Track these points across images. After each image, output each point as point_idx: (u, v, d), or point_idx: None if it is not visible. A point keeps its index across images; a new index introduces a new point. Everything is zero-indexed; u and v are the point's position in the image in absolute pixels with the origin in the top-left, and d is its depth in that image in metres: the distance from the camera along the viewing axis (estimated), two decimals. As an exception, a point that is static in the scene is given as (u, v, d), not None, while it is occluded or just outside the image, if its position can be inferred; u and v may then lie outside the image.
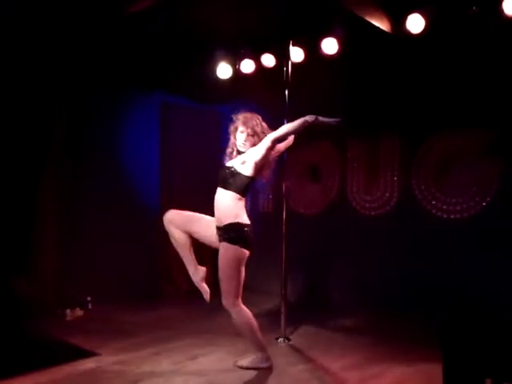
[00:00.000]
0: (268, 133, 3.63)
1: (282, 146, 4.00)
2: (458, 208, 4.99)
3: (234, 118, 3.74)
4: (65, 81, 5.38)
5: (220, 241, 3.51)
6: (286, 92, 4.50)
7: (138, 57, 5.52)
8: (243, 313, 3.54)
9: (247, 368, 3.64)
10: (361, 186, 5.71)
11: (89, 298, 5.36)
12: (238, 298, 3.51)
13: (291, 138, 4.07)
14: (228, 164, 3.64)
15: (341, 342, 4.33)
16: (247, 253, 3.49)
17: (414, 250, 5.19)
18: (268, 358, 3.66)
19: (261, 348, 3.63)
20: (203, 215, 3.70)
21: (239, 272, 3.48)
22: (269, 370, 3.63)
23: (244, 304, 3.59)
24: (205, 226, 3.63)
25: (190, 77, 5.87)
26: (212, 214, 3.63)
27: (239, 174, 3.52)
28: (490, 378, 2.04)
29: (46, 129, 5.33)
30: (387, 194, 5.49)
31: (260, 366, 3.63)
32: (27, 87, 5.07)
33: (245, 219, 3.52)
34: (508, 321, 2.12)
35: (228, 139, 3.79)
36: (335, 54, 5.12)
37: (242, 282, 3.52)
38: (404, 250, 5.26)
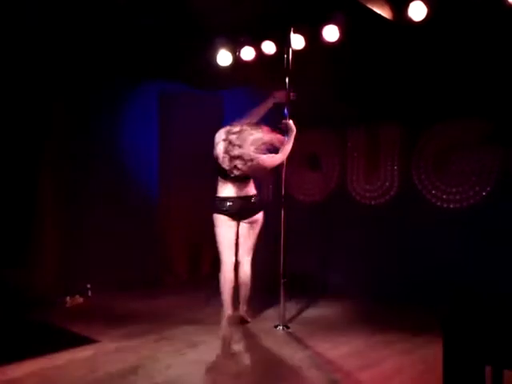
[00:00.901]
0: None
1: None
2: (458, 197, 4.99)
3: None
4: (61, 72, 5.33)
5: None
6: (287, 79, 4.46)
7: (135, 45, 5.47)
8: (220, 273, 4.15)
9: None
10: (361, 176, 5.70)
11: (88, 286, 5.38)
12: (222, 258, 4.16)
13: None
14: None
15: (340, 330, 4.33)
16: (216, 215, 4.13)
17: (414, 238, 5.20)
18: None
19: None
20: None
21: (217, 234, 4.15)
22: (263, 354, 3.70)
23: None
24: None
25: (189, 64, 5.83)
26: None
27: None
28: (490, 365, 2.05)
29: (44, 120, 5.31)
30: (387, 184, 5.49)
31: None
32: (24, 80, 5.04)
33: (219, 192, 4.15)
34: (508, 308, 2.12)
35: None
36: (336, 42, 5.09)
37: (225, 244, 4.14)
38: (404, 238, 5.27)
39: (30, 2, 4.46)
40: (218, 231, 4.14)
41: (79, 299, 5.20)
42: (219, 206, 4.11)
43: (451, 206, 5.03)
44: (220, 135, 4.10)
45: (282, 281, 4.42)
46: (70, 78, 5.44)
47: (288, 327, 4.38)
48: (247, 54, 5.65)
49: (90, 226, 5.54)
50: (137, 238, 5.94)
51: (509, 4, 4.22)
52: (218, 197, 4.14)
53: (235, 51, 5.69)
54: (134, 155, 6.07)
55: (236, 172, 3.99)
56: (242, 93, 6.23)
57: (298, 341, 4.07)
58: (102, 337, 4.02)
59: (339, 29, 5.03)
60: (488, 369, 2.08)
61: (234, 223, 4.14)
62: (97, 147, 5.71)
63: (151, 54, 5.64)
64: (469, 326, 2.07)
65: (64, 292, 5.16)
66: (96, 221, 5.58)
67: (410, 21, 4.63)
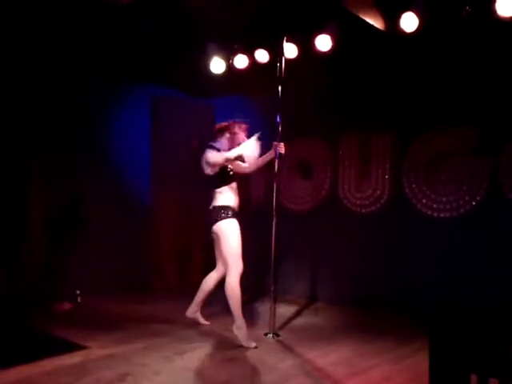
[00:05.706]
0: None
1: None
2: (448, 207, 5.02)
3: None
4: (54, 74, 5.33)
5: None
6: (280, 88, 4.49)
7: (128, 49, 5.48)
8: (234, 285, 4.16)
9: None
10: (352, 184, 5.72)
11: (78, 292, 5.35)
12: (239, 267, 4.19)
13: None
14: None
15: (329, 338, 4.34)
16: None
17: (403, 247, 5.23)
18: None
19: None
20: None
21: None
22: (253, 362, 3.68)
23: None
24: None
25: (182, 70, 5.85)
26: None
27: None
28: (476, 373, 2.06)
29: (36, 123, 5.29)
30: (378, 192, 5.51)
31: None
32: (15, 81, 5.03)
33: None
34: (493, 317, 2.14)
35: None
36: (329, 51, 5.13)
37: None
38: (393, 247, 5.29)
39: (24, 4, 4.47)
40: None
41: (68, 305, 5.17)
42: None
43: (441, 215, 5.06)
44: None
45: (272, 287, 4.43)
46: (63, 81, 5.43)
47: (278, 335, 4.38)
48: (240, 61, 5.68)
49: (80, 231, 5.51)
50: (127, 242, 5.92)
51: (499, 16, 4.28)
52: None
53: (228, 59, 5.72)
54: (126, 159, 6.07)
55: None
56: (234, 101, 6.26)
57: (288, 348, 4.07)
58: (90, 343, 4.00)
59: (332, 38, 5.08)
60: (474, 377, 2.10)
61: None
62: (89, 151, 5.70)
63: (145, 58, 5.66)
64: (455, 335, 2.08)
65: (53, 297, 5.12)
66: (86, 225, 5.56)
67: (402, 32, 4.69)
